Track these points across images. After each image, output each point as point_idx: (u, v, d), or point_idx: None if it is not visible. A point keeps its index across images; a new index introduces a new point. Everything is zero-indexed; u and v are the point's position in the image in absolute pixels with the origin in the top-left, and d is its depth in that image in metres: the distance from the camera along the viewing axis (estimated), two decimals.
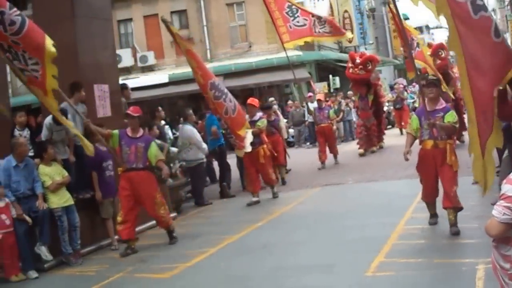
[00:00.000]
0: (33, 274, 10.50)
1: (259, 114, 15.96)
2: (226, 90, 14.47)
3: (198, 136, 16.25)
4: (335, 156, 20.96)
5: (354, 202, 13.71)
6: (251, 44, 36.81)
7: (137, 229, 13.03)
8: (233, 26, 37.66)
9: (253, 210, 14.42)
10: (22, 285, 10.19)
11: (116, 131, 11.68)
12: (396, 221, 10.80)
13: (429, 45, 21.99)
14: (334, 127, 21.56)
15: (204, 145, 16.28)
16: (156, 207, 11.66)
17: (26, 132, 13.11)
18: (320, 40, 21.34)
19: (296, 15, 18.12)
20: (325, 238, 10.57)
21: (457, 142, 17.60)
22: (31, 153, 12.64)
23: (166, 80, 35.37)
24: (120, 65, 27.87)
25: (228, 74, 34.98)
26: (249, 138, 14.48)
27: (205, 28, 37.16)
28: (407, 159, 9.95)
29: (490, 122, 7.38)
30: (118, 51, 27.70)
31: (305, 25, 18.16)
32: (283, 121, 21.40)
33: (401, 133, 27.80)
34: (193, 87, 35.24)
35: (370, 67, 21.73)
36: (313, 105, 22.52)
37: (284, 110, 32.66)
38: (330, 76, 39.76)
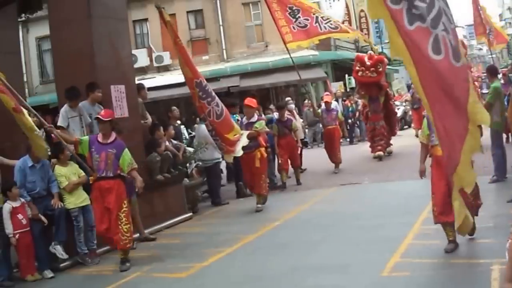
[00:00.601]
0: (48, 273, 10.59)
1: (257, 115, 15.56)
2: (213, 94, 13.96)
3: (207, 136, 16.23)
4: (337, 164, 19.93)
5: (370, 202, 13.73)
6: (267, 43, 36.78)
7: (154, 228, 13.21)
8: (249, 25, 37.68)
9: (269, 210, 14.46)
10: (37, 284, 10.30)
11: (85, 137, 11.06)
12: (412, 221, 10.80)
13: None
14: (341, 133, 20.62)
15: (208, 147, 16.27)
16: (118, 222, 10.46)
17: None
18: (328, 37, 20.11)
19: (297, 16, 17.58)
20: (342, 238, 10.62)
21: None
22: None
23: (182, 80, 35.28)
24: (135, 65, 28.01)
25: (245, 74, 35.06)
26: (242, 141, 13.92)
27: (221, 27, 37.19)
28: (422, 177, 9.37)
29: (456, 153, 7.07)
30: (133, 51, 27.85)
31: (306, 26, 17.58)
32: (299, 121, 21.29)
33: (417, 135, 27.77)
34: (210, 87, 35.52)
35: (381, 69, 21.16)
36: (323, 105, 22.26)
37: (301, 110, 32.68)
38: (346, 75, 39.75)
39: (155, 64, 37.74)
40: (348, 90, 37.49)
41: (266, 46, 36.82)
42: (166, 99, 32.82)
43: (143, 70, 36.45)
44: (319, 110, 20.56)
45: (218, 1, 37.23)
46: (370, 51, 24.71)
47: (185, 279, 9.41)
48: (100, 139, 10.74)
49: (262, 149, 14.72)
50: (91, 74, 12.80)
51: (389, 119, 22.31)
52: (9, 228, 10.27)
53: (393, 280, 7.85)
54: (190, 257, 10.74)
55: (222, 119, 13.78)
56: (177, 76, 35.64)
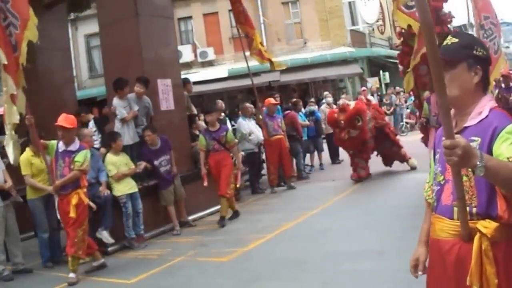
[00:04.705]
0: None
1: (78, 140, 10.00)
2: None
3: (244, 128, 16.20)
4: (289, 178, 16.35)
5: (406, 192, 13.58)
6: (306, 40, 36.77)
7: (199, 214, 13.32)
8: (288, 23, 37.70)
9: (308, 199, 14.38)
10: (85, 266, 10.32)
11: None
12: None
13: None
14: (287, 143, 16.37)
15: (252, 136, 16.19)
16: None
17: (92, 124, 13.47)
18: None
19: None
20: (378, 226, 10.50)
21: None
22: (97, 145, 12.88)
23: (226, 75, 35.54)
24: (180, 61, 28.21)
25: (284, 69, 35.05)
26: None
27: (262, 25, 37.21)
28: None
29: None
30: (179, 47, 28.02)
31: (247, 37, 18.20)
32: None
33: None
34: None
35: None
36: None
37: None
38: (381, 71, 39.60)
39: (199, 60, 37.95)
40: (382, 85, 37.44)
41: (305, 42, 36.80)
42: (210, 93, 33.04)
43: (188, 65, 36.63)
44: (260, 117, 16.60)
45: (259, 1, 37.27)
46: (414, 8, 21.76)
47: (228, 263, 9.41)
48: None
49: (81, 191, 9.67)
50: (140, 69, 12.88)
51: None
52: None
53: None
54: (232, 242, 10.74)
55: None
56: (220, 71, 35.90)
